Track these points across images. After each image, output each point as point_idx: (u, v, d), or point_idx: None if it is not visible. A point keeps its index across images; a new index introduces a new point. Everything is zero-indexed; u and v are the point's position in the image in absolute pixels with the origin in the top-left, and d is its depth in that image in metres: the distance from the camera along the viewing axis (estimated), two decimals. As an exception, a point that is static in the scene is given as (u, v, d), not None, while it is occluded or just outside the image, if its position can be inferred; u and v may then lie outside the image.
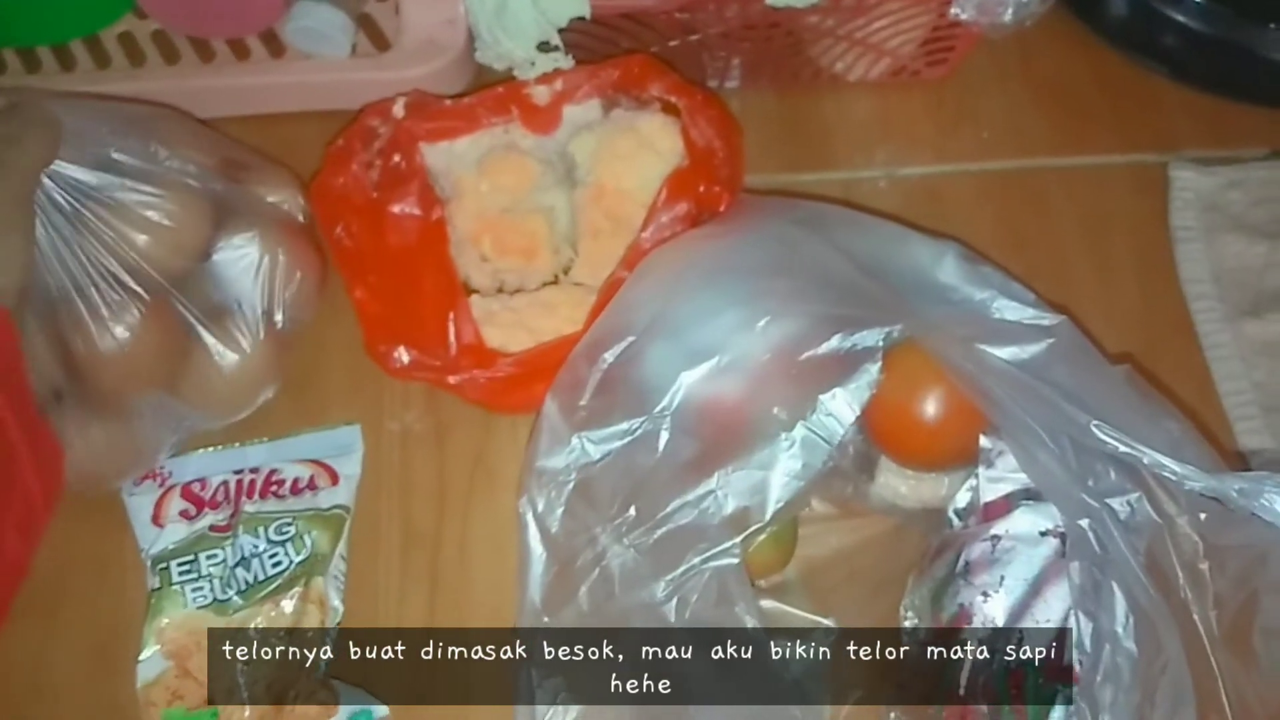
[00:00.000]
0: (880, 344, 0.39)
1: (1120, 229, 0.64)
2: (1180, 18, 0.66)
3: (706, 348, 0.40)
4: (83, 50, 0.63)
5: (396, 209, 0.52)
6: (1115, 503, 0.40)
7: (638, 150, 0.54)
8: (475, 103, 0.55)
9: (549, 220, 0.56)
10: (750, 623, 0.37)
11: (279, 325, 0.53)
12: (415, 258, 0.51)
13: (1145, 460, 0.37)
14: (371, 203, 0.51)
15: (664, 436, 0.40)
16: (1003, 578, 0.43)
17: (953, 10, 0.55)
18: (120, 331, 0.47)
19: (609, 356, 0.42)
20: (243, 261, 0.51)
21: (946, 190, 0.64)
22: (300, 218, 0.55)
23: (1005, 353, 0.39)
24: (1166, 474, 0.37)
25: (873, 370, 0.39)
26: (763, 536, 0.46)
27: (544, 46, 0.55)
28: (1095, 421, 0.37)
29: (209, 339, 0.50)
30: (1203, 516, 0.38)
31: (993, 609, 0.43)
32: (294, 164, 0.59)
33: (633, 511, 0.39)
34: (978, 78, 0.67)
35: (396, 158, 0.53)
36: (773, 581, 0.52)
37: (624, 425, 0.40)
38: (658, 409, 0.40)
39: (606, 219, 0.55)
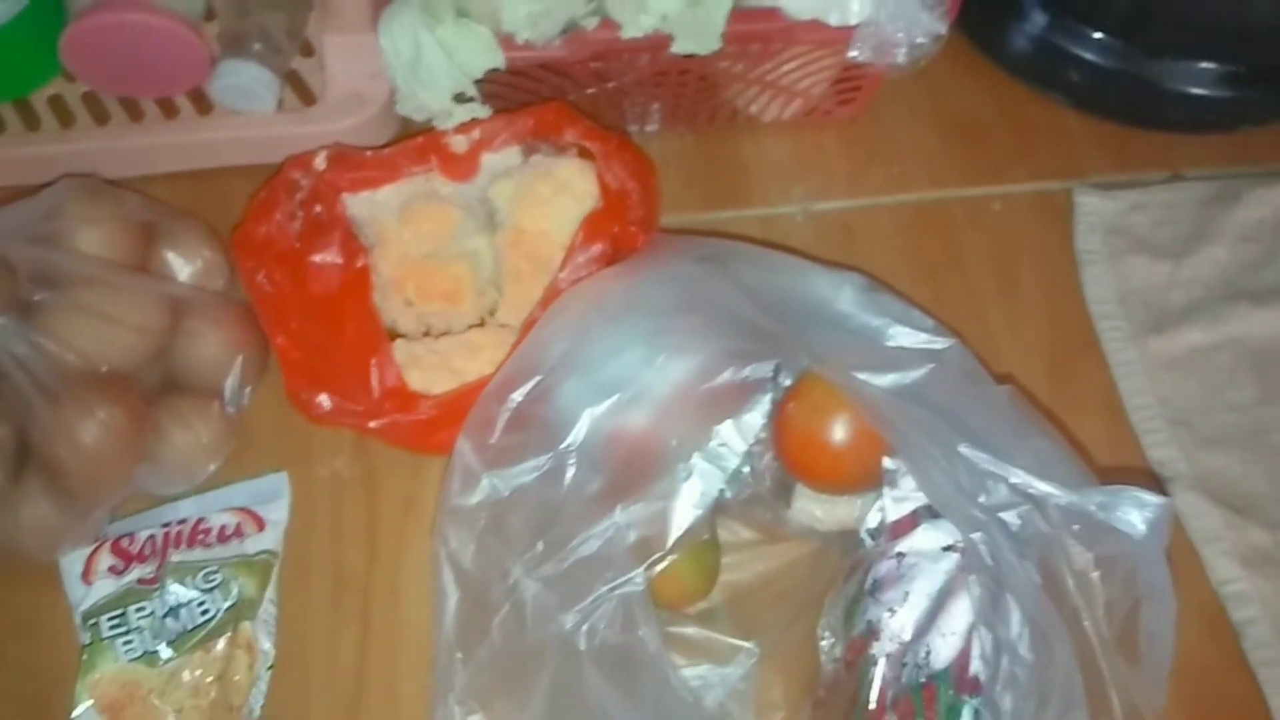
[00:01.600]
0: (770, 375, 0.41)
1: (1028, 254, 0.66)
2: (1082, 52, 0.69)
3: (611, 384, 0.42)
4: (12, 113, 0.64)
5: (318, 258, 0.53)
6: (1007, 516, 0.42)
7: (555, 194, 0.56)
8: (395, 153, 0.57)
9: (472, 264, 0.58)
10: (653, 647, 0.38)
11: (229, 408, 0.55)
12: (338, 305, 0.53)
13: (1011, 479, 0.39)
14: (294, 252, 0.53)
15: (571, 471, 0.41)
16: (907, 593, 0.44)
17: (850, 53, 0.57)
18: (81, 434, 0.49)
19: (517, 396, 0.43)
20: (191, 352, 0.53)
21: (860, 224, 0.66)
22: (219, 278, 0.56)
23: (888, 379, 0.41)
24: (1031, 491, 0.39)
25: (764, 400, 0.41)
26: (681, 562, 0.48)
27: (460, 97, 0.57)
28: (963, 444, 0.39)
29: (166, 427, 0.52)
30: (1075, 528, 0.40)
31: (899, 624, 0.44)
32: (223, 219, 0.60)
33: (541, 546, 0.40)
34: (888, 114, 0.70)
35: (318, 208, 0.55)
36: (699, 608, 0.53)
37: (533, 462, 0.42)
38: (564, 445, 0.41)
39: (527, 261, 0.57)
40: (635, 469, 0.40)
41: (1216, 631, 0.56)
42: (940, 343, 0.46)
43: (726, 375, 0.41)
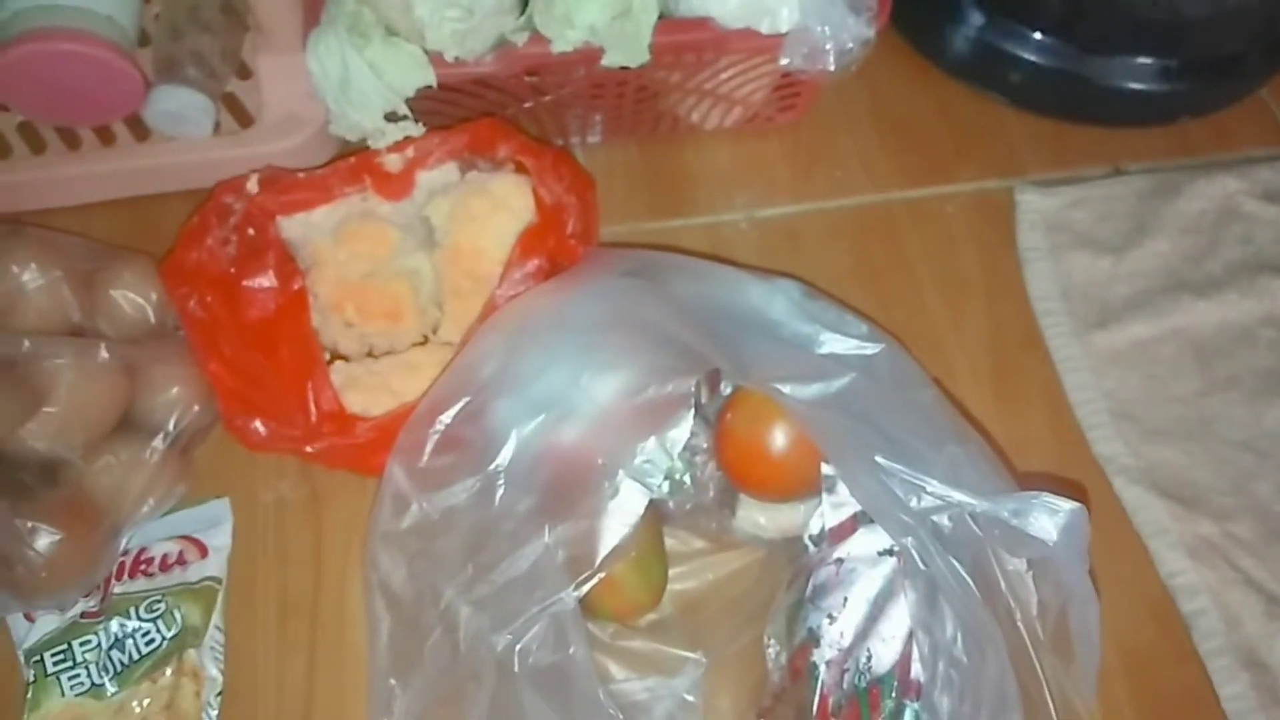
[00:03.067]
0: (691, 390, 0.41)
1: (970, 253, 0.67)
2: (1019, 51, 0.69)
3: (539, 403, 0.42)
4: (-53, 145, 0.63)
5: (253, 282, 0.53)
6: (939, 519, 0.42)
7: (492, 211, 0.56)
8: (328, 174, 0.57)
9: (412, 283, 0.57)
10: (583, 666, 0.38)
11: (185, 451, 0.54)
12: (274, 329, 0.53)
13: (927, 488, 0.39)
14: (227, 277, 0.53)
15: (500, 492, 0.41)
16: (846, 599, 0.44)
17: (781, 61, 0.57)
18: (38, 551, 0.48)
19: (446, 417, 0.43)
20: (143, 401, 0.53)
21: (804, 229, 0.67)
22: (166, 312, 0.56)
23: (813, 389, 0.41)
24: (948, 499, 0.39)
25: (688, 416, 0.41)
26: (627, 576, 0.48)
27: (393, 116, 0.56)
28: (879, 454, 0.39)
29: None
30: (997, 533, 0.40)
31: (838, 630, 0.44)
32: (164, 246, 0.59)
33: (472, 569, 0.40)
34: (829, 119, 0.70)
35: (251, 232, 0.55)
36: (649, 620, 0.53)
37: (463, 484, 0.41)
38: (494, 465, 0.41)
39: (467, 278, 0.56)
40: (564, 487, 0.40)
41: (1166, 623, 0.56)
42: (871, 348, 0.46)
43: (650, 392, 0.41)
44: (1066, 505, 0.39)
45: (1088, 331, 0.64)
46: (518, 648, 0.39)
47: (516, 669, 0.39)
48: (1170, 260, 0.67)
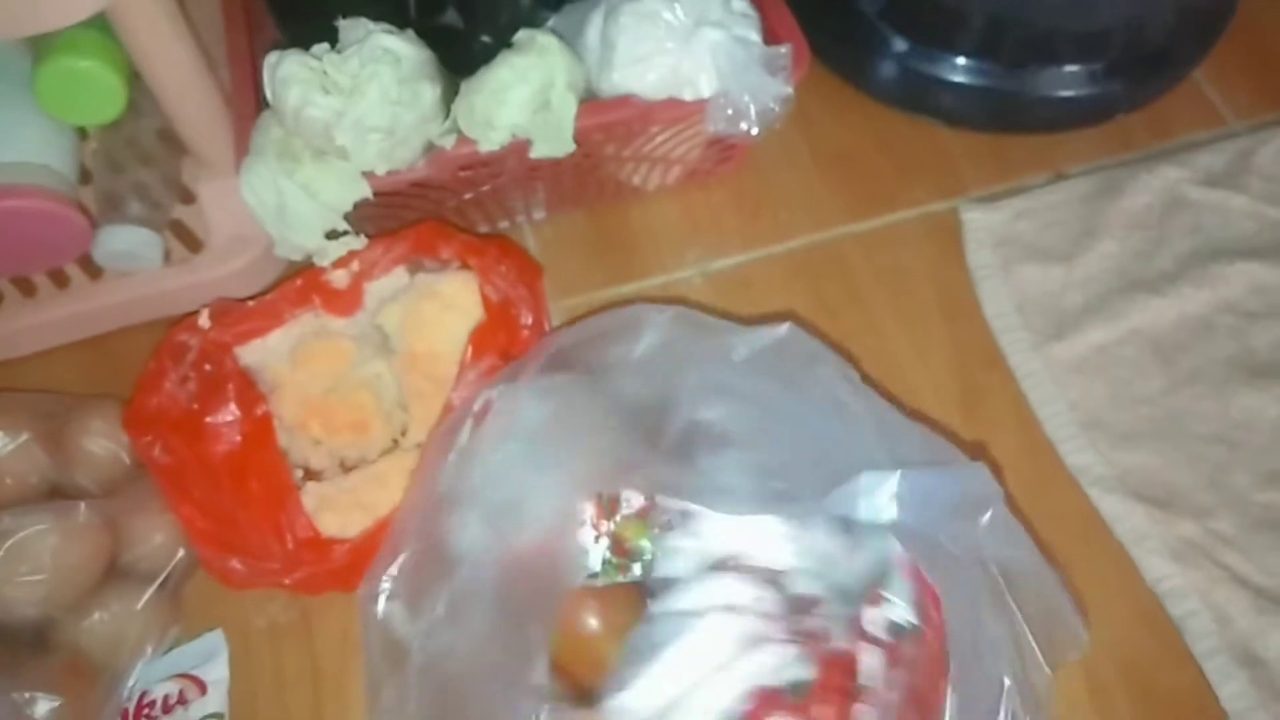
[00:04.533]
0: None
1: (922, 278, 0.67)
2: (947, 75, 0.70)
3: (495, 512, 0.42)
4: (-93, 308, 0.64)
5: (215, 418, 0.53)
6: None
7: (442, 313, 0.57)
8: (276, 299, 0.57)
9: (374, 390, 0.58)
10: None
11: (174, 593, 0.55)
12: (241, 461, 0.53)
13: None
14: (189, 416, 0.53)
15: (475, 608, 0.42)
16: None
17: (705, 128, 0.58)
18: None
19: (403, 556, 0.44)
20: (129, 554, 0.54)
21: (756, 275, 0.67)
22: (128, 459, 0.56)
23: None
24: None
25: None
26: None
27: (333, 234, 0.57)
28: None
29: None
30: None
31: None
32: (126, 380, 0.60)
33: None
34: (769, 162, 0.71)
35: (208, 367, 0.55)
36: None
37: (438, 608, 0.42)
38: (458, 588, 0.42)
39: (427, 381, 0.57)
40: (525, 593, 0.41)
41: (1158, 629, 0.57)
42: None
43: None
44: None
45: (1046, 343, 0.64)
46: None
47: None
48: (1121, 260, 0.67)
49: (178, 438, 0.52)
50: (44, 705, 0.48)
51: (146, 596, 0.53)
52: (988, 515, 0.42)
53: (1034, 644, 0.42)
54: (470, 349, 0.55)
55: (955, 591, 0.40)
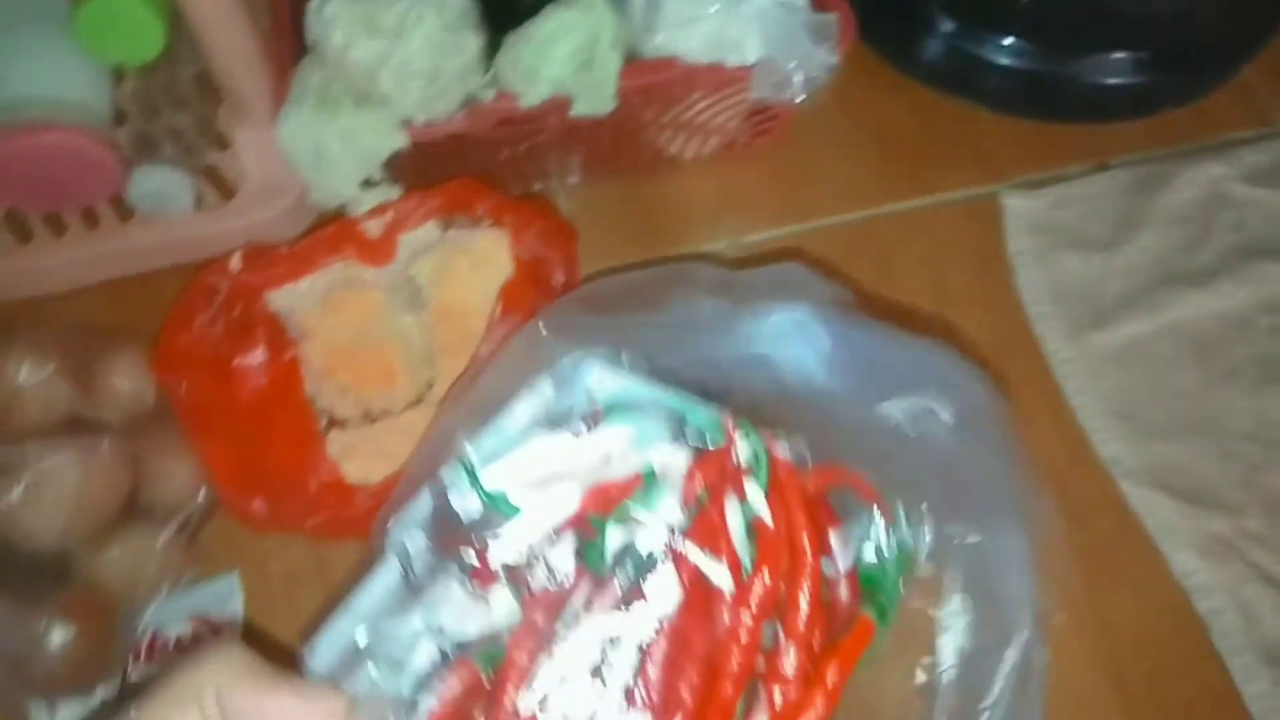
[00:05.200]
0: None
1: (959, 262, 0.66)
2: (994, 57, 0.69)
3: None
4: (-63, 240, 0.64)
5: (244, 360, 0.53)
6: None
7: (474, 268, 0.56)
8: (310, 245, 0.57)
9: (403, 343, 0.58)
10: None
11: (193, 534, 0.55)
12: (268, 403, 0.53)
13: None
14: (217, 358, 0.53)
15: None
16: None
17: (750, 95, 0.57)
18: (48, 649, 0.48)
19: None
20: (149, 490, 0.53)
21: (790, 252, 0.66)
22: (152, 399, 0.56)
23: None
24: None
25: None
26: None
27: (369, 183, 0.57)
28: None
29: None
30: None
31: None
32: (155, 323, 0.60)
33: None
34: (808, 138, 0.70)
35: (239, 309, 0.55)
36: None
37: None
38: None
39: (457, 336, 0.57)
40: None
41: (1184, 624, 0.56)
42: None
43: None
44: None
45: (1083, 333, 0.64)
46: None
47: None
48: (1161, 253, 0.66)
49: (204, 377, 0.52)
50: (59, 634, 0.48)
51: (165, 535, 0.53)
52: (949, 410, 0.40)
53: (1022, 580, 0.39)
54: (500, 305, 0.54)
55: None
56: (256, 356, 0.54)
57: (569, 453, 0.36)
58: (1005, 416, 0.42)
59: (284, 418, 0.53)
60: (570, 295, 0.50)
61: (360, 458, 0.54)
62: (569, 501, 0.35)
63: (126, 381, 0.54)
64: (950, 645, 0.39)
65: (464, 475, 0.36)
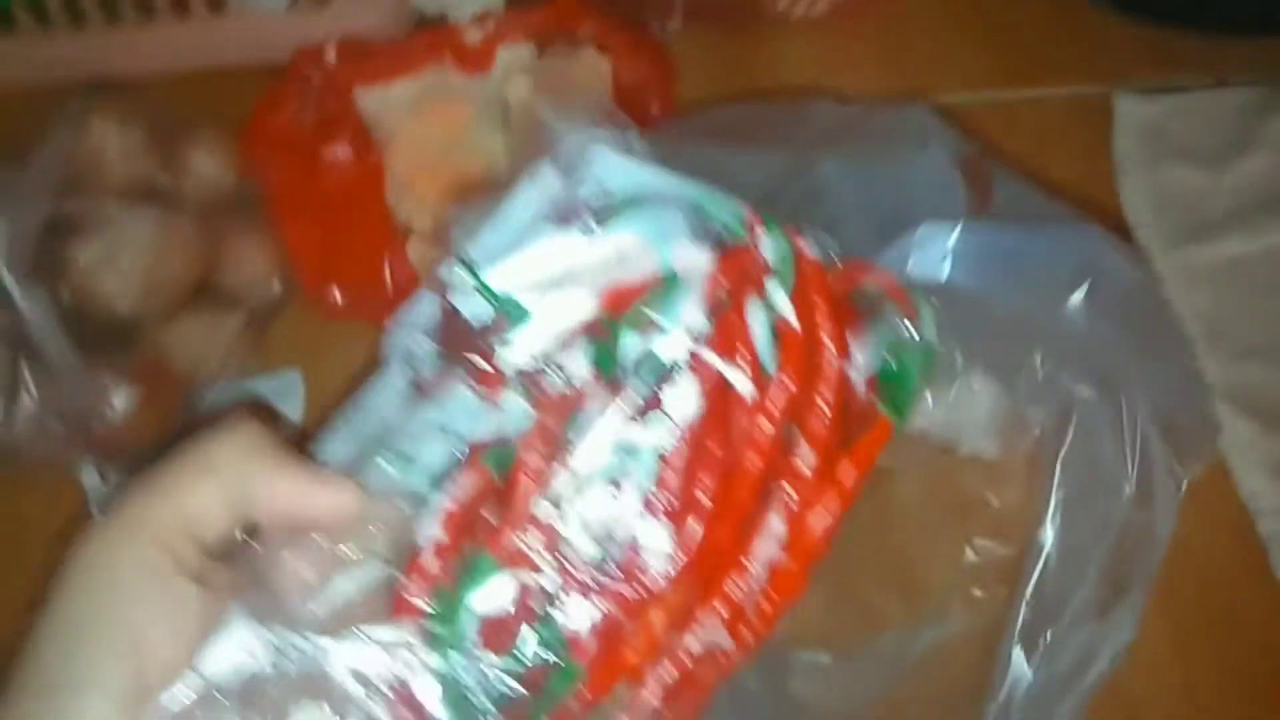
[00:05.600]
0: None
1: (1062, 160, 0.64)
2: (1124, -48, 0.66)
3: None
4: (25, 12, 0.63)
5: (331, 152, 0.52)
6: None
7: (569, 94, 0.55)
8: (407, 45, 0.56)
9: (486, 162, 0.56)
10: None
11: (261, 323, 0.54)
12: (351, 200, 0.52)
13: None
14: (305, 145, 0.52)
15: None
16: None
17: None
18: (114, 405, 0.48)
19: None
20: (222, 266, 0.52)
21: (889, 127, 0.64)
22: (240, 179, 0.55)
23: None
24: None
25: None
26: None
27: (473, -11, 0.55)
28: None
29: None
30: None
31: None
32: (238, 118, 0.59)
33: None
34: (919, 14, 0.68)
35: (330, 103, 0.54)
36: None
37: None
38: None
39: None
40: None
41: (1245, 545, 0.55)
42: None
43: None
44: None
45: (1181, 245, 0.62)
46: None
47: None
48: (1272, 178, 0.64)
49: (292, 163, 0.51)
50: (123, 397, 0.48)
51: (234, 320, 0.52)
52: (1083, 289, 0.37)
53: (1150, 444, 0.38)
54: (596, 128, 0.52)
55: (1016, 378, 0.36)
56: (343, 151, 0.53)
57: (580, 253, 0.34)
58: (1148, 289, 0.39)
59: (366, 215, 0.52)
60: (673, 122, 0.48)
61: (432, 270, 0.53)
62: (583, 305, 0.33)
63: (209, 163, 0.54)
64: (1053, 507, 0.37)
65: (465, 275, 0.34)
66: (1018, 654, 0.36)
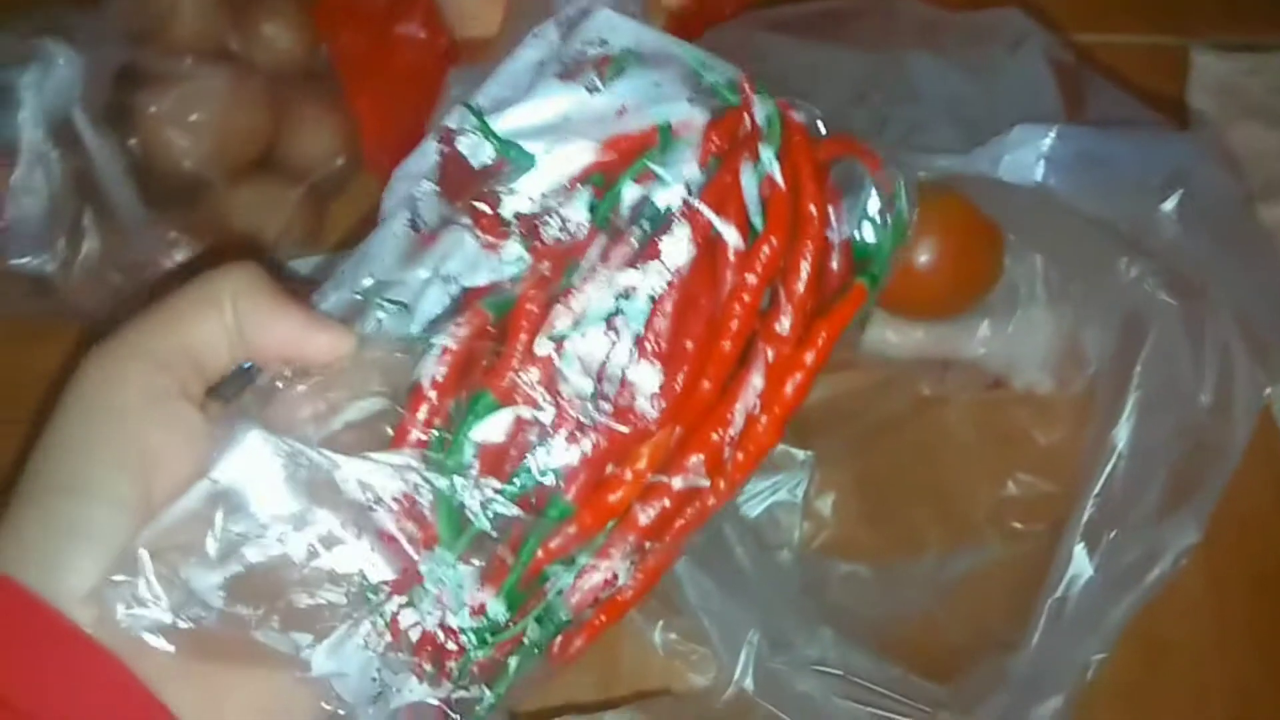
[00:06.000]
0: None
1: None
2: (1213, -99, 0.64)
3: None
4: None
5: (403, 29, 0.52)
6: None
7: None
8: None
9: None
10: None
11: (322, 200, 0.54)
12: (420, 78, 0.52)
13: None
14: (378, 21, 0.52)
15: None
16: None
17: None
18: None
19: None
20: (289, 138, 0.52)
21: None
22: (312, 50, 0.55)
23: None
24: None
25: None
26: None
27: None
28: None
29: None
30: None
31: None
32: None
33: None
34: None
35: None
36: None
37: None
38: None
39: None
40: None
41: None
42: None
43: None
44: None
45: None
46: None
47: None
48: (1344, 144, 0.63)
49: (365, 36, 0.51)
50: (184, 251, 0.48)
51: (298, 191, 0.52)
52: (1175, 197, 0.37)
53: (1233, 355, 0.37)
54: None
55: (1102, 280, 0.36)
56: (414, 30, 0.52)
57: (583, 105, 0.35)
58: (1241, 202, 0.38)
59: (435, 94, 0.51)
60: (752, 15, 0.47)
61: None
62: (584, 154, 0.34)
63: (282, 30, 0.53)
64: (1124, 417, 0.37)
65: (471, 120, 0.35)
66: (1080, 550, 0.36)
